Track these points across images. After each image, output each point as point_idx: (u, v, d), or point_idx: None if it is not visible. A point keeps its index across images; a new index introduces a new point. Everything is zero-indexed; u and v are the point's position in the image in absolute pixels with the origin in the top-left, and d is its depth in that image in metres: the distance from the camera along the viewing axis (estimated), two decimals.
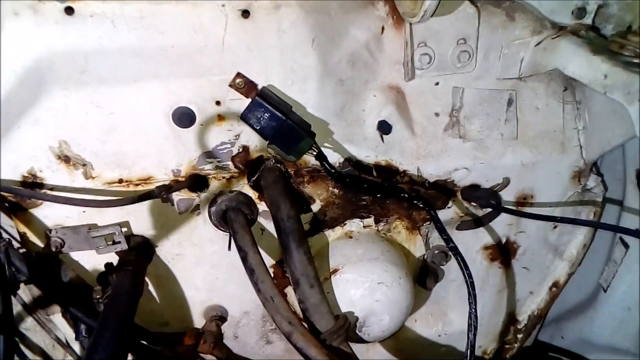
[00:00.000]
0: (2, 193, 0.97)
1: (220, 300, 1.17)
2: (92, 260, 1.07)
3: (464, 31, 1.03)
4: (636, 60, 0.88)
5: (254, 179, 1.03)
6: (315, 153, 0.98)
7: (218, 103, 0.98)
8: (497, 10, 1.04)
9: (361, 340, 1.08)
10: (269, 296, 0.94)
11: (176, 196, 1.05)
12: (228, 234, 1.05)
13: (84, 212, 1.02)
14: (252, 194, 1.06)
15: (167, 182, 1.02)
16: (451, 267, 1.22)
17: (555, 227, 1.23)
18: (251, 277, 0.97)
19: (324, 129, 1.03)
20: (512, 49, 1.07)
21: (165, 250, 1.10)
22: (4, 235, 0.99)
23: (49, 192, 0.99)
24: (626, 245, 1.15)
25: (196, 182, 1.03)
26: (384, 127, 1.08)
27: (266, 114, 0.93)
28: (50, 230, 1.00)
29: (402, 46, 1.04)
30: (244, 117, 0.95)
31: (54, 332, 1.15)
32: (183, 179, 1.03)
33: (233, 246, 1.02)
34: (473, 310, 0.96)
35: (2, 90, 0.89)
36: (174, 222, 1.07)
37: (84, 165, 0.99)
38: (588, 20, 1.02)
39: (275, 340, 1.25)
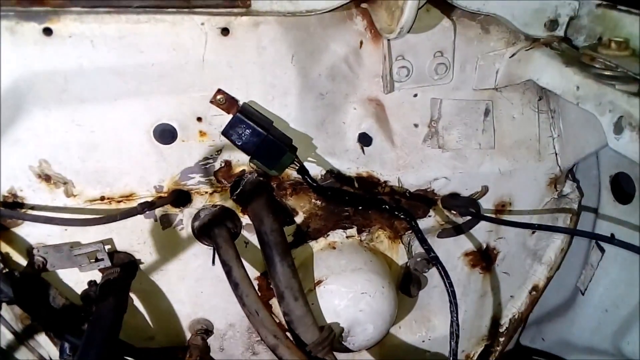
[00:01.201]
0: None
1: (206, 314, 1.17)
2: (76, 278, 1.07)
3: (440, 44, 1.05)
4: (607, 73, 0.91)
5: (236, 193, 1.04)
6: (297, 167, 0.99)
7: (199, 119, 0.99)
8: (472, 23, 1.06)
9: (346, 350, 1.09)
10: (254, 310, 0.95)
11: (159, 212, 1.05)
12: (212, 248, 1.06)
13: (65, 230, 1.02)
14: (235, 207, 1.07)
15: (149, 199, 1.02)
16: (434, 274, 1.25)
17: (533, 232, 1.26)
18: (235, 291, 0.97)
19: (306, 143, 1.04)
20: (487, 60, 1.09)
21: (149, 266, 1.10)
22: None
23: (30, 211, 0.98)
24: (602, 250, 1.18)
25: (179, 197, 1.04)
26: (365, 139, 1.09)
27: (247, 130, 0.94)
28: (32, 249, 0.99)
29: (381, 59, 1.06)
30: (226, 133, 0.95)
31: (37, 350, 1.14)
32: (166, 195, 1.03)
33: (217, 260, 1.03)
34: (455, 318, 0.98)
35: None
36: (157, 238, 1.07)
37: (65, 183, 0.99)
38: (560, 32, 1.05)
39: (261, 352, 1.25)
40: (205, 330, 1.17)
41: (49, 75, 0.90)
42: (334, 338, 0.98)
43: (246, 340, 1.24)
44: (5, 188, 0.97)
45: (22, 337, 1.11)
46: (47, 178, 0.98)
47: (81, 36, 0.88)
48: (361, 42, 1.04)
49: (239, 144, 0.95)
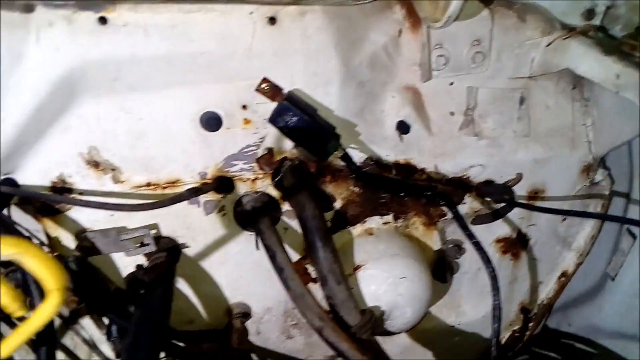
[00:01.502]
0: (32, 198, 0.99)
1: (244, 298, 1.20)
2: (120, 262, 1.09)
3: (478, 33, 1.07)
4: None
5: (278, 179, 1.06)
6: (341, 154, 1.01)
7: (244, 107, 1.01)
8: (509, 12, 1.08)
9: (386, 333, 1.12)
10: (299, 293, 0.97)
11: (202, 198, 1.07)
12: (253, 234, 1.08)
13: (112, 215, 1.04)
14: (277, 194, 1.09)
15: (194, 185, 1.04)
16: (464, 260, 1.27)
17: (564, 219, 1.28)
18: (280, 276, 1.00)
19: (347, 130, 1.06)
20: (523, 49, 1.11)
21: (191, 251, 1.12)
22: (34, 241, 1.01)
23: (78, 196, 1.01)
24: (634, 236, 1.20)
25: (222, 184, 1.06)
26: (403, 127, 1.11)
27: (293, 117, 0.96)
28: (82, 234, 1.02)
29: (419, 48, 1.07)
30: (272, 121, 0.97)
31: (81, 333, 1.17)
32: (210, 182, 1.05)
33: (258, 245, 1.05)
34: (497, 301, 1.00)
35: (35, 99, 0.91)
36: (200, 223, 1.09)
37: (113, 169, 1.01)
38: (597, 21, 1.06)
39: (296, 335, 1.28)
40: (244, 313, 1.20)
41: (102, 64, 0.91)
42: (375, 321, 1.01)
43: (282, 324, 1.26)
44: (55, 174, 0.99)
45: (68, 321, 1.14)
46: (95, 164, 1.00)
47: (135, 25, 0.90)
48: (400, 31, 1.06)
49: (285, 131, 0.97)
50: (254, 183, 1.08)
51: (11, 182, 0.98)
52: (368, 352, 0.93)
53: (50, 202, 0.98)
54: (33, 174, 0.98)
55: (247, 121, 1.02)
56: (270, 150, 1.06)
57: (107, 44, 0.90)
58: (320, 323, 0.94)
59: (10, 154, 0.95)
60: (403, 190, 1.13)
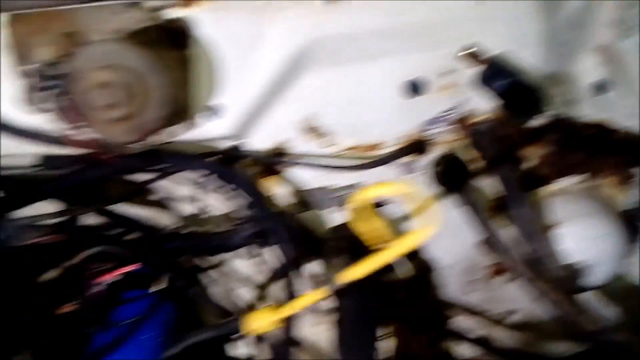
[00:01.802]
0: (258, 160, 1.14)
1: (433, 252, 1.28)
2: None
3: None
4: None
5: (474, 141, 1.12)
6: (542, 115, 1.05)
7: (446, 73, 1.07)
8: None
9: (579, 290, 1.15)
10: (505, 248, 1.04)
11: (401, 159, 1.16)
12: (448, 193, 1.15)
13: (319, 175, 1.17)
14: (472, 155, 1.15)
15: (394, 147, 1.14)
16: None
17: None
18: (482, 231, 1.07)
19: (545, 91, 1.09)
20: None
21: (388, 208, 1.22)
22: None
23: (298, 158, 1.14)
24: None
25: (420, 146, 1.14)
26: (599, 87, 1.11)
27: (503, 79, 1.01)
28: (298, 192, 1.16)
29: (616, 7, 1.06)
30: (482, 83, 1.03)
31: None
32: (409, 144, 1.14)
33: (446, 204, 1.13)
34: None
35: (269, 75, 1.04)
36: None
37: (326, 134, 1.13)
38: None
39: (475, 291, 1.35)
40: (429, 267, 1.29)
41: (326, 40, 1.02)
42: (577, 276, 1.05)
43: (460, 280, 1.34)
44: (276, 139, 1.13)
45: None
46: (312, 130, 1.12)
47: (356, 3, 0.99)
48: None
49: (496, 93, 1.02)
50: (452, 145, 1.15)
51: (240, 147, 1.14)
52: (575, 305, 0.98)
53: (278, 164, 1.13)
54: (257, 139, 1.13)
55: (447, 86, 1.09)
56: (468, 114, 1.12)
57: (332, 22, 1.00)
58: (532, 274, 1.01)
59: (244, 123, 1.10)
60: (598, 150, 1.14)
